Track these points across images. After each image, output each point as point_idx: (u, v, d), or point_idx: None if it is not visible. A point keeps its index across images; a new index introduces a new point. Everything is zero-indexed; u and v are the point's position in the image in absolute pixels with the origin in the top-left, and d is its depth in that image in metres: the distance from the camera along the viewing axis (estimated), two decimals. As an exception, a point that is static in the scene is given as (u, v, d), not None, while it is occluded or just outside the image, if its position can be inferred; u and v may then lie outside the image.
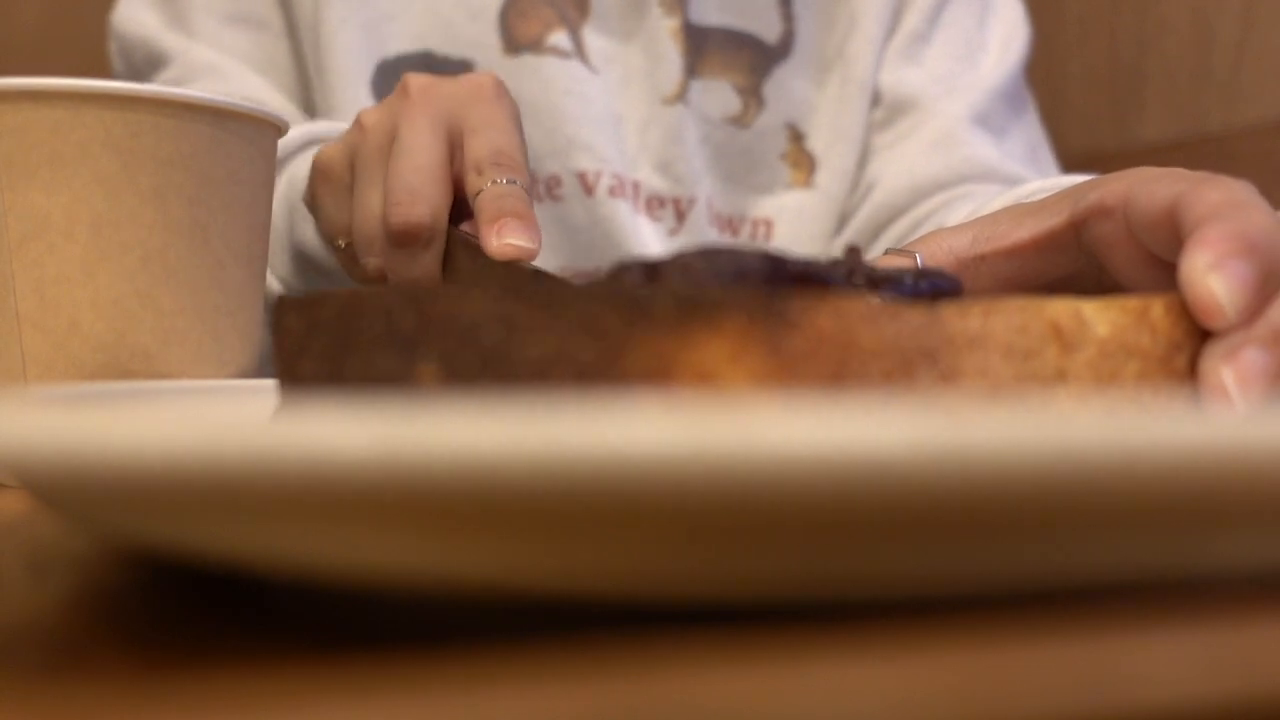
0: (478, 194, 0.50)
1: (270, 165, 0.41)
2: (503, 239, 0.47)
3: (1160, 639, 0.15)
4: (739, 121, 0.77)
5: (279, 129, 0.41)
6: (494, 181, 0.50)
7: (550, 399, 0.19)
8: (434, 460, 0.13)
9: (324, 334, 0.21)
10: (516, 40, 0.73)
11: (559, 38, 0.73)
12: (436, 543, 0.14)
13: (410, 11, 0.73)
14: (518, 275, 0.45)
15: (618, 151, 0.73)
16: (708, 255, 0.21)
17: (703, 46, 0.76)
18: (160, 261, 0.37)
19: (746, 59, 0.77)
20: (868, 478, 0.13)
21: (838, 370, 0.20)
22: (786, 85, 0.78)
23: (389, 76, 0.72)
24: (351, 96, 0.71)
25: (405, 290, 0.20)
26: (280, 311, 0.22)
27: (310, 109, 0.73)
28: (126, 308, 0.36)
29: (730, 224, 0.76)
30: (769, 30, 0.77)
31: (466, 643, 0.14)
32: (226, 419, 0.13)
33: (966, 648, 0.14)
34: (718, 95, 0.76)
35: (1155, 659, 0.14)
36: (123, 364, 0.37)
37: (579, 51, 0.73)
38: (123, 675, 0.14)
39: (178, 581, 0.19)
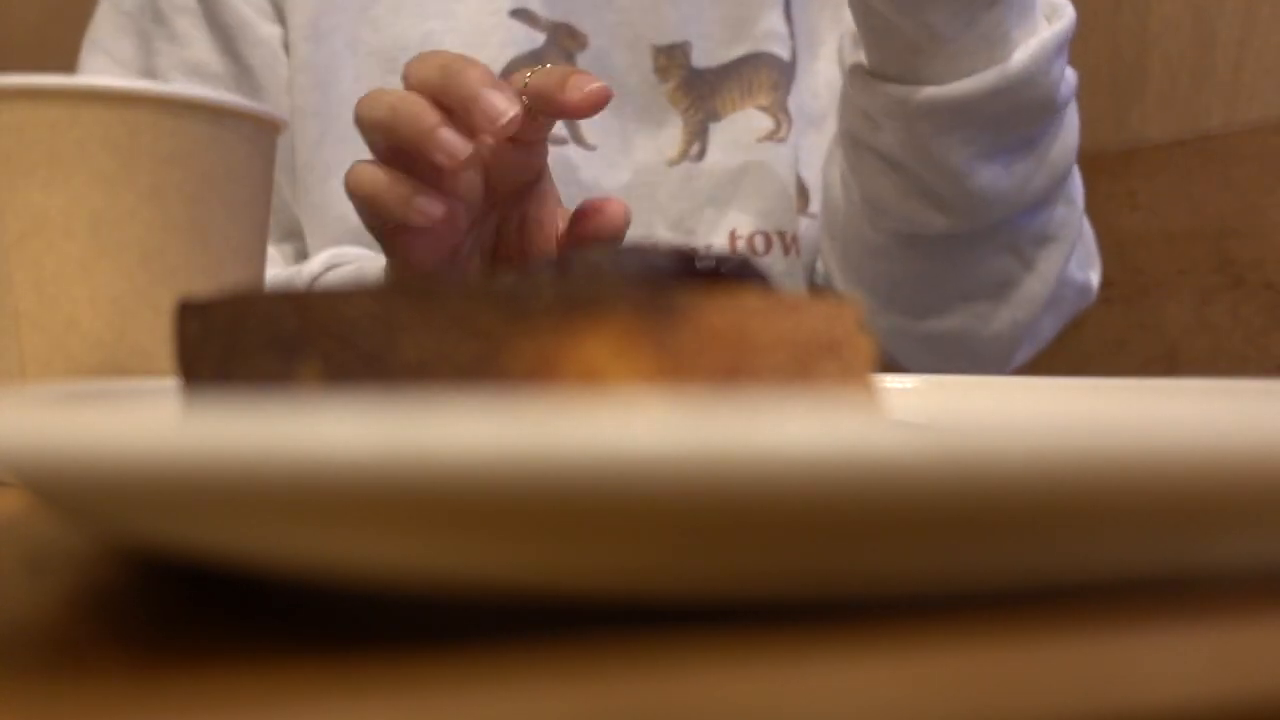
0: (524, 87, 0.47)
1: (269, 163, 0.41)
2: (583, 90, 0.46)
3: (1160, 639, 0.15)
4: (775, 137, 0.76)
5: (277, 127, 0.41)
6: (529, 74, 0.48)
7: (436, 398, 0.18)
8: (435, 459, 0.13)
9: (217, 338, 0.21)
10: None
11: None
12: (436, 542, 0.14)
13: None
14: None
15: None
16: (615, 254, 0.21)
17: (717, 88, 0.76)
18: (159, 260, 0.37)
19: (766, 78, 0.76)
20: (868, 477, 0.13)
21: (730, 366, 0.19)
22: (804, 107, 0.78)
23: None
24: (336, 212, 0.70)
25: (289, 293, 0.20)
26: (180, 317, 0.22)
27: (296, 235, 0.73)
28: (125, 306, 0.36)
29: (768, 242, 0.76)
30: (782, 49, 0.77)
31: (466, 643, 0.14)
32: (225, 417, 0.13)
33: (966, 648, 0.14)
34: (746, 122, 0.76)
35: (1155, 659, 0.14)
36: (121, 362, 0.36)
37: (573, 133, 0.74)
38: (122, 675, 0.14)
39: (177, 581, 0.19)
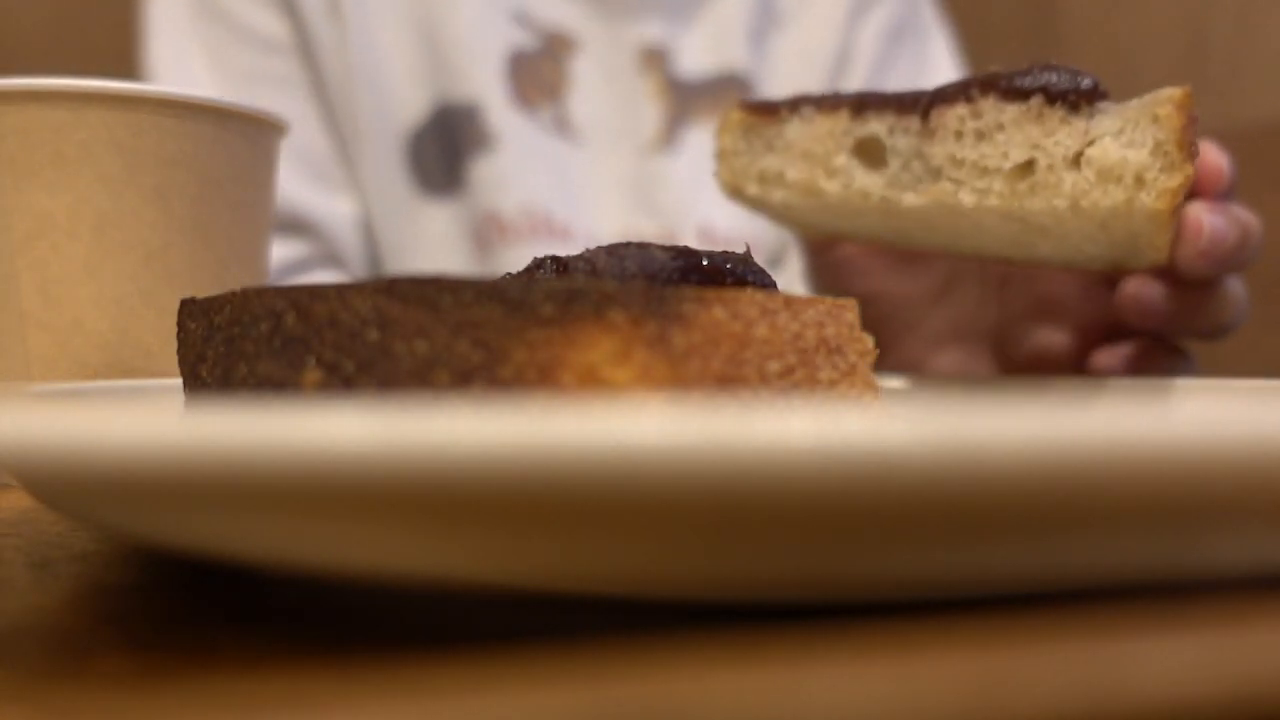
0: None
1: (272, 164, 0.41)
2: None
3: (1160, 639, 0.15)
4: None
5: (280, 129, 0.41)
6: None
7: (438, 397, 0.18)
8: (436, 457, 0.13)
9: (220, 338, 0.21)
10: (526, 97, 0.76)
11: (554, 109, 0.77)
12: (437, 541, 0.14)
13: (409, 56, 0.75)
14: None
15: (599, 223, 0.76)
16: (615, 252, 0.21)
17: (689, 99, 0.80)
18: (162, 260, 0.37)
19: (733, 100, 0.79)
20: (868, 475, 0.13)
21: (731, 367, 0.19)
22: None
23: (422, 142, 0.75)
24: (386, 174, 0.74)
25: (291, 293, 0.20)
26: (183, 316, 0.22)
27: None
28: (129, 306, 0.36)
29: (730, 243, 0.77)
30: (746, 70, 0.80)
31: (466, 643, 0.15)
32: (228, 416, 0.13)
33: (966, 648, 0.14)
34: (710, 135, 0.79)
35: (1155, 659, 0.14)
36: (125, 362, 0.37)
37: (561, 127, 0.77)
38: (123, 674, 0.14)
39: (179, 580, 0.19)
